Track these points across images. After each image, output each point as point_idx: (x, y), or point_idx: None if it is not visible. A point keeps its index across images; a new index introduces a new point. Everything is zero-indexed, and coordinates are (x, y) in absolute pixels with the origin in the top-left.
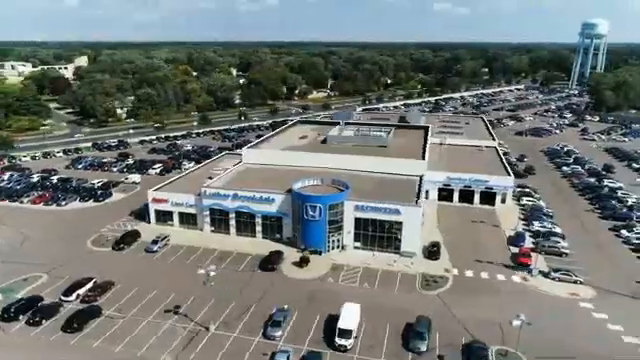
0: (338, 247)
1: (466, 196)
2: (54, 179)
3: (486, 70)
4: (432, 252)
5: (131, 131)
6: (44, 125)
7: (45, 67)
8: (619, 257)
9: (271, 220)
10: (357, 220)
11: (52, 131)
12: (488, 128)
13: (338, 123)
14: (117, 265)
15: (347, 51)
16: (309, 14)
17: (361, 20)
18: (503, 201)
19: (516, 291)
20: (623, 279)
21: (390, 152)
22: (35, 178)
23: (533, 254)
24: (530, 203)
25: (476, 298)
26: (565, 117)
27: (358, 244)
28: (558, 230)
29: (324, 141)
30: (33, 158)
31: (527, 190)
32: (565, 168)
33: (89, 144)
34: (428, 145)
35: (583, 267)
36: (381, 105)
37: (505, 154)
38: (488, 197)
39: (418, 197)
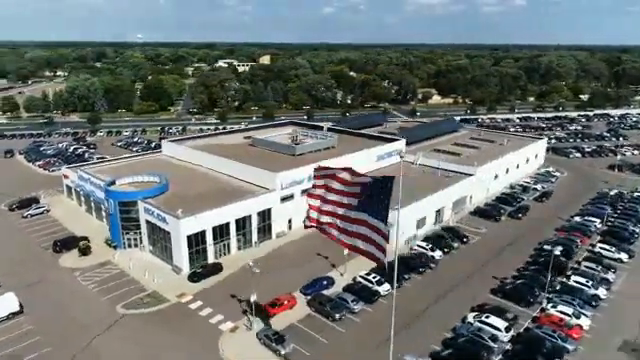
0: (137, 246)
1: None
2: (79, 151)
3: None
4: (196, 274)
5: (193, 120)
6: (166, 110)
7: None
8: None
9: None
10: (147, 222)
11: (160, 115)
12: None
13: (322, 128)
14: None
15: (557, 55)
16: (557, 15)
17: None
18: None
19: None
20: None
21: (289, 160)
22: (70, 149)
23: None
24: (419, 250)
25: (152, 330)
26: None
27: (151, 247)
28: (380, 289)
29: (252, 144)
30: (109, 134)
31: (444, 234)
32: (577, 219)
33: (158, 128)
34: (342, 160)
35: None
36: (486, 117)
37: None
38: None
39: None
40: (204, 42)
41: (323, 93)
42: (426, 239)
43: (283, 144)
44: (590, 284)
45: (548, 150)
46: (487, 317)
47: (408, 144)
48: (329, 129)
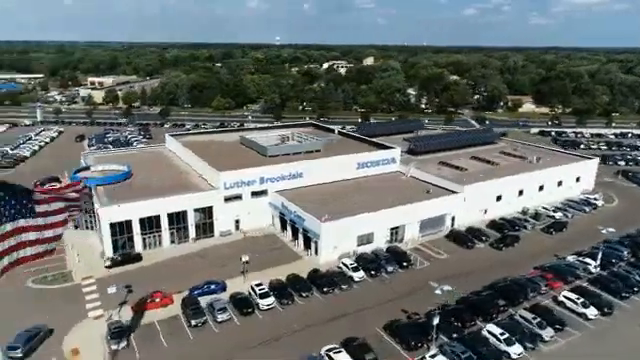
0: (92, 228)
1: (296, 233)
2: (130, 139)
3: None
4: (111, 260)
5: (249, 117)
6: (242, 107)
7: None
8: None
9: None
10: None
11: (232, 112)
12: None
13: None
14: None
15: None
16: None
17: None
18: (317, 251)
19: None
20: None
21: (260, 160)
22: (128, 137)
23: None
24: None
25: (32, 305)
26: None
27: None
28: (262, 302)
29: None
30: (173, 126)
31: (379, 255)
32: (570, 258)
33: (217, 123)
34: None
35: None
36: (571, 130)
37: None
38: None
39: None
40: (330, 44)
41: (393, 96)
42: (357, 258)
43: (260, 145)
44: (503, 338)
45: (617, 173)
46: (337, 352)
47: (417, 153)
48: (339, 133)
